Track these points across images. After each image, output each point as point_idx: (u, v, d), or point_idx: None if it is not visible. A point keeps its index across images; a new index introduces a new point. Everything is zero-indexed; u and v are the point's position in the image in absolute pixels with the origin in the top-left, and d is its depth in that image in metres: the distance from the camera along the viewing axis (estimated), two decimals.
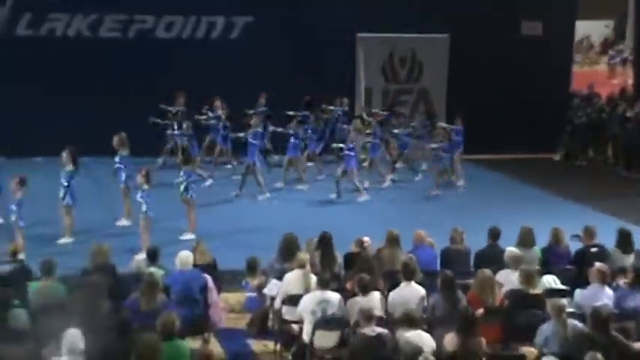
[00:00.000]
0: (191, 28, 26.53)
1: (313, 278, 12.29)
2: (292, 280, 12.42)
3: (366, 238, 14.17)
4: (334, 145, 23.13)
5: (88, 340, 9.87)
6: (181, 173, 18.05)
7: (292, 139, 22.76)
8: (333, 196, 21.60)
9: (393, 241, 13.83)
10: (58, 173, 17.88)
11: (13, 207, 16.57)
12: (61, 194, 17.53)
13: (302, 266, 12.51)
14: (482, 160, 25.73)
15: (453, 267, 13.06)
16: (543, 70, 27.56)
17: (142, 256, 14.25)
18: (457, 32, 27.19)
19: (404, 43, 27.95)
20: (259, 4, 26.25)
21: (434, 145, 23.08)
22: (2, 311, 10.71)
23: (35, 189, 17.66)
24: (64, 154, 17.71)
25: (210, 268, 13.71)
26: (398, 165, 24.29)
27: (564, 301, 11.31)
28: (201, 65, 25.33)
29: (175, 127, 23.88)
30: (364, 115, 25.04)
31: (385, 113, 25.56)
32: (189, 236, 17.49)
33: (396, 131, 24.31)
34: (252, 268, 14.48)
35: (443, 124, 24.06)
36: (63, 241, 17.43)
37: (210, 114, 24.06)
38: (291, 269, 12.69)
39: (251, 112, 23.86)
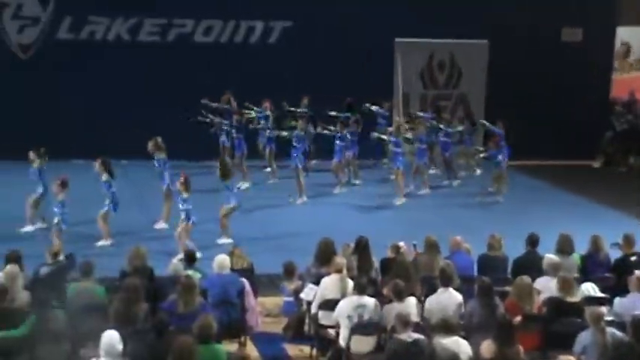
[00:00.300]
0: (230, 32, 26.64)
1: (350, 283, 12.27)
2: (329, 284, 12.40)
3: (401, 244, 14.11)
4: (376, 134, 22.97)
5: (125, 342, 9.92)
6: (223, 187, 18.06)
7: (338, 142, 22.82)
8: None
9: (432, 246, 13.77)
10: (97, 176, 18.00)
11: (56, 209, 16.75)
12: (106, 202, 17.71)
13: (339, 271, 12.50)
14: (521, 166, 25.58)
15: (490, 273, 12.97)
16: (583, 77, 27.43)
17: (179, 258, 14.31)
18: (496, 38, 27.09)
19: (443, 48, 27.90)
20: (298, 9, 26.27)
21: (479, 149, 23.14)
22: (42, 312, 10.78)
23: (74, 191, 17.77)
24: (97, 165, 17.82)
25: (247, 272, 13.72)
26: (433, 171, 24.32)
27: (603, 309, 11.21)
28: (239, 70, 25.41)
29: (224, 121, 24.28)
30: (410, 115, 25.20)
31: (429, 115, 25.44)
32: (225, 240, 17.54)
33: (442, 126, 24.27)
34: (289, 272, 14.48)
35: (484, 121, 24.12)
36: (101, 243, 17.54)
37: (258, 113, 24.39)
38: (328, 274, 12.68)
39: (294, 109, 24.43)
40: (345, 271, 12.56)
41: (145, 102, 24.99)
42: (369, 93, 25.41)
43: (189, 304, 11.39)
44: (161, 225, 18.80)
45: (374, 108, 25.50)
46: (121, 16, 25.99)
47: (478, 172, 24.94)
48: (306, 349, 12.89)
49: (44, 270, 12.95)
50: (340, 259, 12.80)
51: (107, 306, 11.54)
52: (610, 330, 10.61)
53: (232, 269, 12.98)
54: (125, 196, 19.06)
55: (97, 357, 9.87)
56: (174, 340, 9.55)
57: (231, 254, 13.80)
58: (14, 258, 12.52)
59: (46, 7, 25.65)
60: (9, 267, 11.91)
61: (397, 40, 27.15)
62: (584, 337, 10.65)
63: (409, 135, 22.85)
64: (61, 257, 13.33)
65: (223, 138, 24.26)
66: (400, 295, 11.56)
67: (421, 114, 25.51)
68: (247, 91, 24.42)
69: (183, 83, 25.13)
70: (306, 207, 21.37)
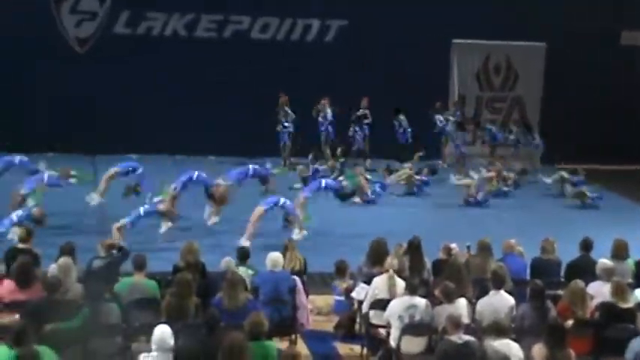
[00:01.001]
0: (286, 30, 26.68)
1: (401, 283, 12.25)
2: (380, 284, 12.40)
3: (453, 245, 14.06)
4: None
5: (177, 337, 9.98)
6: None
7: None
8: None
9: (484, 249, 13.70)
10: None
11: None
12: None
13: (390, 271, 12.48)
14: (576, 170, 25.34)
15: (543, 277, 12.88)
16: None
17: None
18: (554, 41, 26.88)
19: (499, 50, 27.75)
20: (354, 8, 26.26)
21: None
22: (95, 305, 10.87)
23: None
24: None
25: (300, 270, 13.74)
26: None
27: None
28: (295, 67, 25.44)
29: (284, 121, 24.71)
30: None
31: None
32: (298, 233, 17.63)
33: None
34: (341, 271, 14.46)
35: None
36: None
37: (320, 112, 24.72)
38: (380, 273, 12.67)
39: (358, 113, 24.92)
40: (392, 272, 12.54)
41: (200, 98, 25.13)
42: (424, 94, 25.35)
43: (232, 300, 11.42)
44: (213, 220, 18.81)
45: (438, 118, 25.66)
46: (178, 11, 26.12)
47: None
48: (357, 348, 12.90)
49: (97, 263, 13.07)
50: (392, 260, 12.78)
51: (159, 300, 11.62)
52: None
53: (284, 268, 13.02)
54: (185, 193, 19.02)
55: (149, 351, 9.95)
56: (225, 336, 9.57)
57: (284, 251, 13.83)
58: (68, 250, 12.64)
59: (103, 1, 25.84)
60: (63, 259, 12.02)
61: (454, 41, 27.06)
62: (636, 344, 10.55)
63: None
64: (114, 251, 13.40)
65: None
66: (449, 297, 11.52)
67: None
68: (302, 90, 24.43)
69: (239, 80, 25.23)
70: (363, 207, 21.32)
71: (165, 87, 25.30)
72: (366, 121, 25.19)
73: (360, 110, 25.13)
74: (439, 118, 25.84)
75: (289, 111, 24.80)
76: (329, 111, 24.79)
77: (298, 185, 22.37)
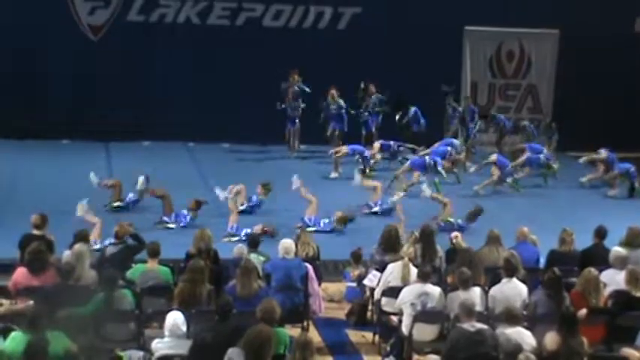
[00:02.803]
0: (299, 17, 26.62)
1: (413, 271, 12.26)
2: (394, 271, 12.40)
3: (455, 233, 14.08)
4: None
5: (189, 323, 10.02)
6: None
7: None
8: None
9: (493, 239, 13.68)
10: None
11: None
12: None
13: (405, 259, 12.49)
14: None
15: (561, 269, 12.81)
16: None
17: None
18: (567, 27, 26.79)
19: (512, 37, 27.66)
20: None
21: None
22: (108, 291, 10.91)
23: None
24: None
25: (313, 257, 13.75)
26: None
27: None
28: (308, 55, 25.36)
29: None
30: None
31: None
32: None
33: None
34: (356, 258, 14.51)
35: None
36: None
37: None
38: (392, 261, 12.68)
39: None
40: (407, 259, 12.54)
41: (212, 85, 25.16)
42: (437, 81, 25.30)
43: (246, 287, 11.47)
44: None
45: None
46: None
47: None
48: (369, 335, 12.93)
49: (111, 249, 13.11)
50: (405, 247, 12.78)
51: (172, 287, 11.66)
52: None
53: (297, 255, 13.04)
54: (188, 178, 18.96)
55: (162, 337, 9.99)
56: (253, 327, 9.54)
57: (297, 239, 13.85)
58: (82, 236, 12.69)
59: None
60: (77, 245, 12.06)
61: (467, 27, 26.99)
62: None
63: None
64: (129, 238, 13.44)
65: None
66: (466, 284, 11.52)
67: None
68: (315, 76, 24.37)
69: (252, 67, 25.20)
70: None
71: (178, 74, 25.32)
72: (377, 108, 25.00)
73: (373, 97, 24.89)
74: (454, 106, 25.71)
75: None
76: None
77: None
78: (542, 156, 22.56)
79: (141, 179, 18.08)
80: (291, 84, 24.38)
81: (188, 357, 9.78)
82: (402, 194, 19.15)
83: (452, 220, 17.84)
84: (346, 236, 17.17)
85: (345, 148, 22.08)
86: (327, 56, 25.46)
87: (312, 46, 25.80)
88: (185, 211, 17.42)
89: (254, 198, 18.45)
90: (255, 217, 17.67)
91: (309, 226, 17.08)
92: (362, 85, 24.75)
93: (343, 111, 24.10)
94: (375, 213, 18.66)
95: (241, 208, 17.93)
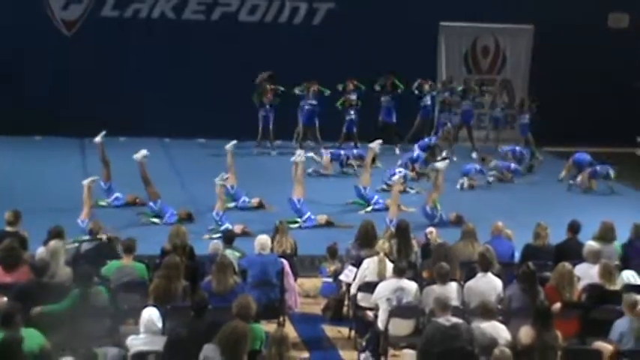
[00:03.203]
0: (274, 12, 26.58)
1: (389, 266, 12.27)
2: (370, 267, 12.40)
3: (430, 229, 14.16)
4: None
5: (165, 319, 10.00)
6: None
7: None
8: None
9: (468, 234, 13.71)
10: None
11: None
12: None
13: (381, 254, 12.51)
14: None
15: (535, 263, 12.86)
16: (629, 64, 27.16)
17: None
18: (542, 23, 26.88)
19: (487, 32, 27.73)
20: None
21: None
22: (83, 288, 10.87)
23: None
24: None
25: (290, 254, 13.76)
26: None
27: (638, 296, 11.08)
28: (283, 50, 25.37)
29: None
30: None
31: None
32: None
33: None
34: (332, 253, 14.54)
35: None
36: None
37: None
38: (368, 256, 12.69)
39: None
40: (382, 255, 12.56)
41: (187, 80, 25.10)
42: (412, 76, 25.33)
43: (222, 282, 11.46)
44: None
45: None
46: None
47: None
48: (345, 330, 12.96)
49: (86, 246, 13.07)
50: (381, 242, 12.80)
51: (148, 283, 11.63)
52: None
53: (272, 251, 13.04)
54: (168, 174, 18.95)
55: (137, 334, 9.96)
56: (228, 323, 9.53)
57: (275, 233, 13.86)
58: (57, 233, 12.62)
59: None
60: (52, 242, 12.02)
61: (442, 23, 27.04)
62: (620, 324, 10.64)
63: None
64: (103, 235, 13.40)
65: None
66: (444, 278, 11.53)
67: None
68: (289, 72, 24.37)
69: (227, 62, 25.17)
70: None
71: (153, 70, 25.25)
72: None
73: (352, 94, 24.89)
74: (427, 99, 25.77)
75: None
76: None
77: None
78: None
79: (143, 152, 18.07)
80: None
81: (163, 353, 9.74)
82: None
83: (439, 207, 17.91)
84: (322, 231, 17.16)
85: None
86: (302, 51, 25.45)
87: (288, 42, 25.80)
88: (173, 209, 17.42)
89: (245, 198, 18.76)
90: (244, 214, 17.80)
91: (297, 209, 17.52)
92: (340, 88, 24.81)
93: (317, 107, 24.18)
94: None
95: (230, 205, 18.00)
